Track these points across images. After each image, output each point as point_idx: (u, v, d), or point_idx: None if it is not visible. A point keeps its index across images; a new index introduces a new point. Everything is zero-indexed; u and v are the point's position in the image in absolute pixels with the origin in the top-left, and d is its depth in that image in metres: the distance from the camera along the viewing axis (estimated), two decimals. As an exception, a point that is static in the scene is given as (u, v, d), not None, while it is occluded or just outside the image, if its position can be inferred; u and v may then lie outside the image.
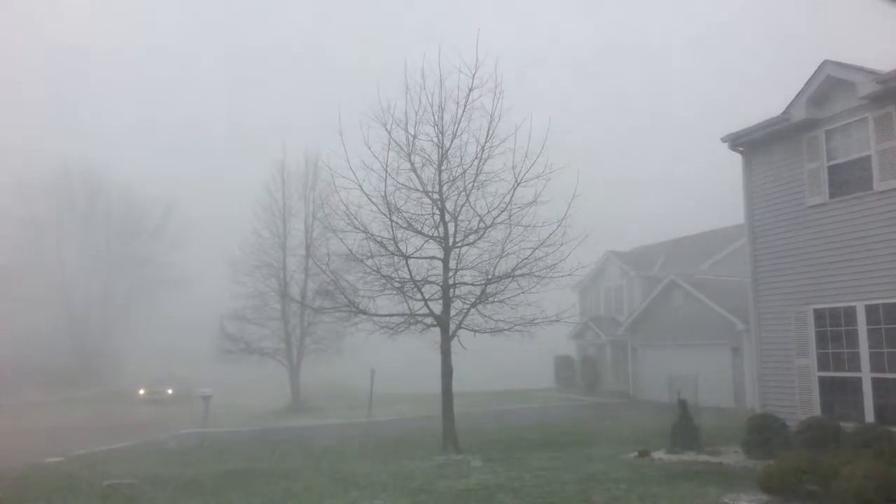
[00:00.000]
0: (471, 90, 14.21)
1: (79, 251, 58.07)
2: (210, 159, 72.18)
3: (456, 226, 14.82)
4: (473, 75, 14.09)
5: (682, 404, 13.56)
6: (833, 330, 11.92)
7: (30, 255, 52.69)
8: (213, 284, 37.66)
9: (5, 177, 48.01)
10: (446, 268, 14.76)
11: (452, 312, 14.92)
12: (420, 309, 15.00)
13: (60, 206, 57.83)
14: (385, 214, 14.54)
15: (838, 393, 11.78)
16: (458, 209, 14.75)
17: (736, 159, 14.20)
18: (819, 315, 12.18)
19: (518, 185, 14.38)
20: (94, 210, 58.95)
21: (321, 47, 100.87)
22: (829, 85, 12.12)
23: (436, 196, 14.67)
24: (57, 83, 77.85)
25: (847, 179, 11.90)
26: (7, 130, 61.58)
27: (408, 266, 14.77)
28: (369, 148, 14.27)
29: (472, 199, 14.66)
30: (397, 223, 14.55)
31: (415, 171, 14.64)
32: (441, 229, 14.75)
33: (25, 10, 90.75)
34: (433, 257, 14.97)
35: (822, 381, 12.05)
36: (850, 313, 11.62)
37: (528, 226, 14.43)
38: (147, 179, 59.47)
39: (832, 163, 12.16)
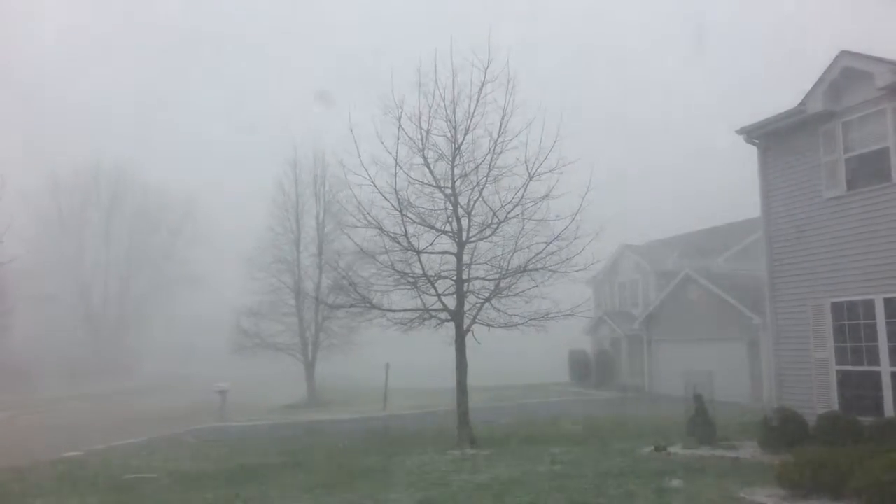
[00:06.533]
0: (483, 84, 14.18)
1: (99, 248, 58.92)
2: (228, 158, 72.74)
3: (469, 220, 14.82)
4: (486, 70, 14.06)
5: (698, 399, 13.47)
6: (851, 323, 11.78)
7: (51, 252, 53.46)
8: (229, 281, 38.03)
9: (31, 174, 48.70)
10: (460, 263, 14.76)
11: (466, 307, 14.92)
12: (434, 304, 15.02)
13: (84, 204, 58.69)
14: (397, 210, 14.57)
15: (857, 387, 11.64)
16: (472, 204, 14.75)
17: (752, 152, 14.06)
18: (837, 308, 12.04)
19: (531, 179, 14.36)
20: (116, 208, 59.76)
21: (331, 47, 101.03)
22: (846, 76, 11.93)
23: (449, 191, 14.68)
24: (82, 85, 78.90)
25: (865, 171, 11.73)
26: (34, 130, 62.47)
27: (420, 261, 14.80)
28: (382, 142, 14.27)
29: (485, 193, 14.67)
30: (410, 218, 14.58)
31: (427, 166, 14.65)
32: (454, 224, 14.76)
33: (53, 13, 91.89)
34: (446, 252, 14.98)
35: (840, 375, 11.91)
36: (868, 306, 11.48)
37: (542, 220, 14.41)
38: (167, 178, 60.18)
39: (849, 155, 11.99)
